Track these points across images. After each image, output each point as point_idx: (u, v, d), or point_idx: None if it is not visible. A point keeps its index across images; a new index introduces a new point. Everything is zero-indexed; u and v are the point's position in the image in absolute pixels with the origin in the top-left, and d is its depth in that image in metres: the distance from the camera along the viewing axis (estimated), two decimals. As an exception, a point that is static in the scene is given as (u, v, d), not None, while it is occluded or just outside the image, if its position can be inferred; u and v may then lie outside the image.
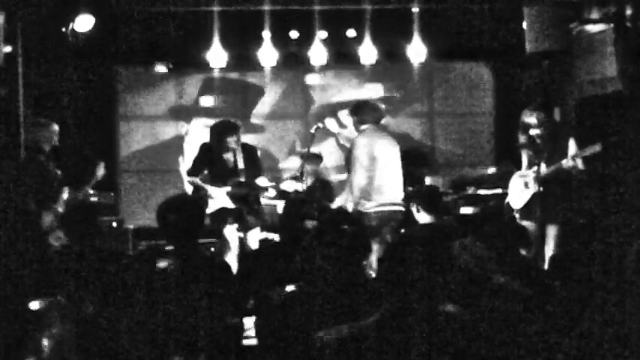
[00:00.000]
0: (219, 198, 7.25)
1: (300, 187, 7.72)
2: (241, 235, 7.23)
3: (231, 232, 7.23)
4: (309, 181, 8.09)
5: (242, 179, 7.23)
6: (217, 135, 7.26)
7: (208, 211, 7.19)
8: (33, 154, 6.84)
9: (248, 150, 7.38)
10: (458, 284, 3.59)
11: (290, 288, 3.72)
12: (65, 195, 7.01)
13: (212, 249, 7.77)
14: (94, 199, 7.81)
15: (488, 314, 3.56)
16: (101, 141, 9.38)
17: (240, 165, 7.24)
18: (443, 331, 3.00)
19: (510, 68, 9.50)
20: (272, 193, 7.69)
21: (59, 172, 7.00)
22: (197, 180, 7.33)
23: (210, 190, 7.25)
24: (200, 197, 7.12)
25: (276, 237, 7.38)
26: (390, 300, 2.99)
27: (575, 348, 3.57)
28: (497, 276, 3.99)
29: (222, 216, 7.21)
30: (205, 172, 7.36)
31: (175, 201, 4.12)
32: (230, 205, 7.23)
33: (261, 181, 7.31)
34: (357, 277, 3.77)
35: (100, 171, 7.51)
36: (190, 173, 7.42)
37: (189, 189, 7.57)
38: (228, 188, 7.23)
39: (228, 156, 7.27)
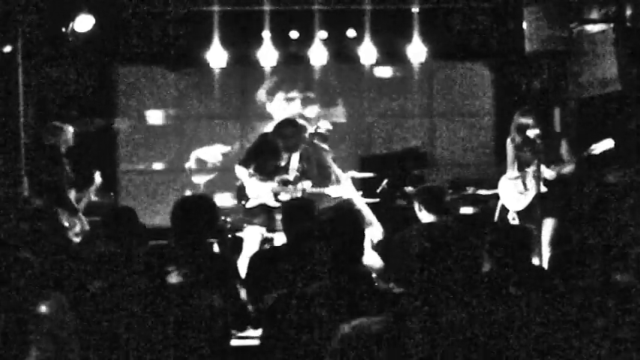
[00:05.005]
0: (262, 193, 6.94)
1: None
2: (270, 235, 6.90)
3: (251, 232, 6.94)
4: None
5: (291, 178, 6.96)
6: (278, 128, 7.02)
7: (248, 205, 6.97)
8: (55, 156, 6.91)
9: (310, 153, 7.15)
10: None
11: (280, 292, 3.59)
12: (72, 196, 7.07)
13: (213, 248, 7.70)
14: (94, 199, 7.82)
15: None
16: (101, 141, 9.37)
17: (294, 165, 7.00)
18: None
19: (510, 68, 9.50)
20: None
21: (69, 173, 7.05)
22: (243, 173, 6.98)
23: (256, 184, 6.93)
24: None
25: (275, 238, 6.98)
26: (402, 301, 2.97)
27: (576, 348, 3.57)
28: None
29: (258, 213, 6.91)
30: (256, 164, 7.02)
31: (188, 200, 4.08)
32: (272, 203, 6.91)
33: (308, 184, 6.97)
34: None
35: (98, 178, 7.49)
36: (241, 162, 7.08)
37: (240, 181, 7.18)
38: (275, 185, 6.93)
39: (285, 153, 6.99)
